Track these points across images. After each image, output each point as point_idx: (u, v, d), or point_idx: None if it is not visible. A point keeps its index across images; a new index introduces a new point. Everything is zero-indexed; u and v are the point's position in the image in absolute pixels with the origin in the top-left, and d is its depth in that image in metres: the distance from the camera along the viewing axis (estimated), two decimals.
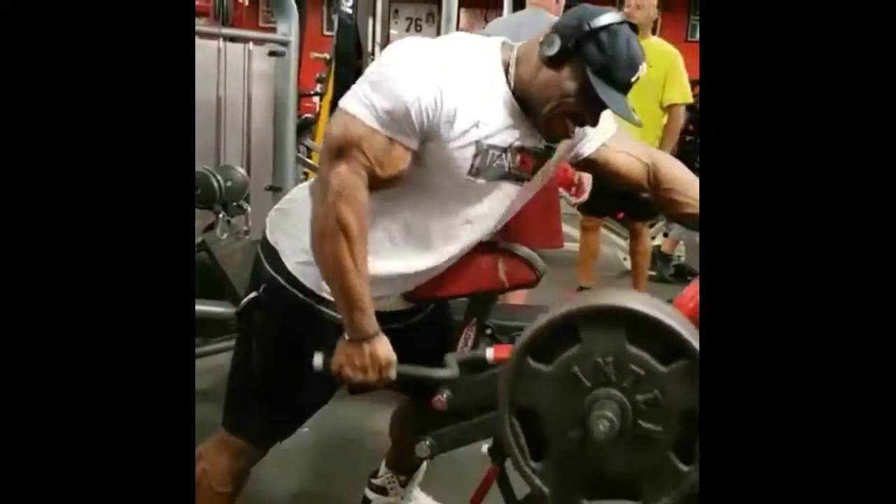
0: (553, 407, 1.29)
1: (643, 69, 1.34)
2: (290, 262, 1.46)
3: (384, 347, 1.36)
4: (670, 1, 9.79)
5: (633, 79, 1.32)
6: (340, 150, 1.30)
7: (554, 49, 1.31)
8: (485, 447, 1.65)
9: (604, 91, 1.29)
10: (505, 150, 1.37)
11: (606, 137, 1.53)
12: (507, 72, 1.37)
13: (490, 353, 1.43)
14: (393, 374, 1.38)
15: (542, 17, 3.19)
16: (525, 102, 1.36)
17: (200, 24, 3.09)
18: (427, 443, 1.51)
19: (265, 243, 1.52)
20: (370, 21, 3.49)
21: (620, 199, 3.79)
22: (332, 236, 1.30)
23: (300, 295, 1.46)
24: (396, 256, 1.42)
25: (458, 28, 4.10)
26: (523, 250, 1.55)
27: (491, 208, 1.44)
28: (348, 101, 1.32)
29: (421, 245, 1.42)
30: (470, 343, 1.54)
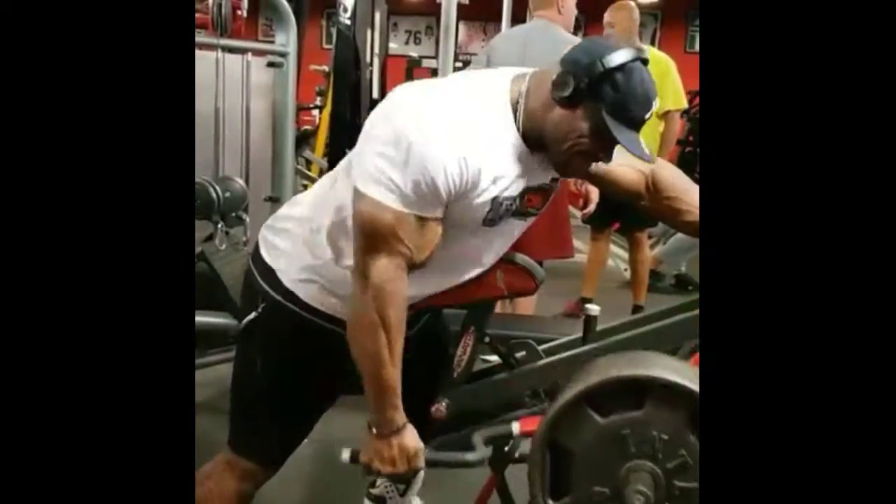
0: (591, 458, 1.29)
1: (656, 104, 1.32)
2: (288, 280, 1.45)
3: (412, 437, 1.37)
4: (669, 12, 9.84)
5: (648, 115, 1.31)
6: (376, 241, 1.27)
7: (567, 91, 1.27)
8: None
9: (619, 131, 1.27)
10: (516, 197, 1.36)
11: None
12: (515, 111, 1.33)
13: (516, 427, 1.44)
14: (422, 462, 1.39)
15: (551, 32, 3.18)
16: (535, 139, 1.33)
17: (199, 36, 3.10)
18: (426, 451, 1.51)
19: (260, 261, 1.50)
20: (368, 33, 3.50)
21: (616, 209, 3.82)
22: (370, 330, 1.30)
23: (300, 311, 1.45)
24: None
25: (456, 42, 4.12)
26: (522, 259, 1.55)
27: (497, 244, 1.45)
28: (369, 185, 1.27)
29: (424, 276, 1.40)
30: (468, 352, 1.53)
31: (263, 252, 1.50)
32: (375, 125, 1.30)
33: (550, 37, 3.16)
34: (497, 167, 1.31)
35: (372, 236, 1.28)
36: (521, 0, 3.46)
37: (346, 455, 1.42)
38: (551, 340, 1.64)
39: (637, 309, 3.99)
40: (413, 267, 1.31)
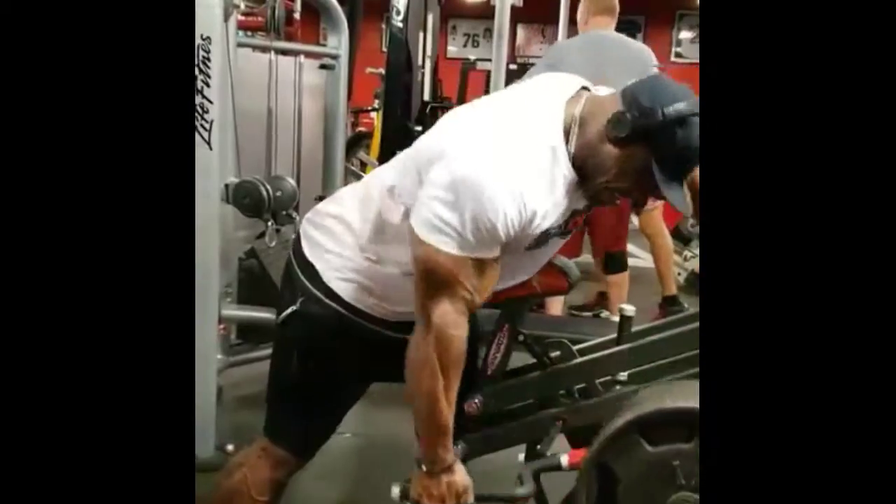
0: (638, 485, 1.30)
1: None
2: (330, 277, 1.47)
3: (461, 475, 1.41)
4: (653, 18, 9.43)
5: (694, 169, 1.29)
6: (437, 287, 1.30)
7: (624, 132, 1.26)
8: (521, 456, 1.65)
9: (666, 185, 1.26)
10: (562, 224, 1.36)
11: None
12: (567, 137, 1.31)
13: (564, 459, 1.45)
14: (471, 498, 1.41)
15: (623, 41, 3.18)
16: (580, 169, 1.32)
17: (253, 39, 3.17)
18: (458, 447, 1.52)
19: (300, 255, 1.51)
20: (421, 35, 3.53)
21: None
22: (429, 373, 1.33)
23: (339, 308, 1.46)
24: None
25: (513, 44, 4.12)
26: (558, 258, 1.56)
27: (540, 260, 1.48)
28: (427, 232, 1.27)
29: None
30: (502, 350, 1.54)
31: (305, 246, 1.51)
32: (430, 167, 1.29)
33: (625, 45, 3.14)
34: (550, 204, 1.30)
35: (433, 282, 1.29)
36: (578, 2, 3.44)
37: (395, 491, 1.46)
38: (586, 341, 1.64)
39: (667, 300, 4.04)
40: (473, 308, 1.33)
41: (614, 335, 1.58)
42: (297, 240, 1.55)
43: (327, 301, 1.47)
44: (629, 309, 1.57)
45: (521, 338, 1.56)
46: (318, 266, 1.48)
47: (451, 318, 1.30)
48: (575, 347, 1.56)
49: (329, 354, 1.51)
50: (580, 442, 1.55)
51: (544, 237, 1.34)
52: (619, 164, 1.29)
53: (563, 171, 1.30)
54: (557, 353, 1.56)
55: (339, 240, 1.48)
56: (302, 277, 1.50)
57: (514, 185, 1.24)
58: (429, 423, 1.36)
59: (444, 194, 1.25)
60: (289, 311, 1.50)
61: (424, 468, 1.40)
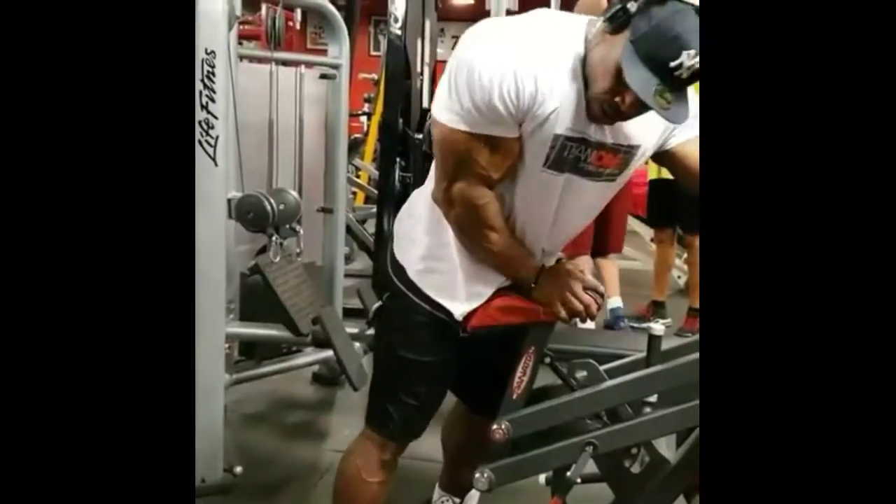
0: None
1: (692, 61, 1.20)
2: (411, 271, 1.53)
3: (559, 266, 1.49)
4: None
5: (674, 64, 1.20)
6: (453, 165, 1.37)
7: (609, 13, 1.27)
8: (542, 478, 1.61)
9: (630, 63, 1.21)
10: (580, 142, 1.35)
11: (693, 134, 1.46)
12: (585, 50, 1.33)
13: None
14: (586, 268, 1.55)
15: None
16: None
17: (253, 49, 3.12)
18: (485, 475, 1.49)
19: (391, 253, 1.59)
20: (419, 42, 3.47)
21: (676, 210, 3.90)
22: (472, 230, 1.43)
23: (416, 299, 1.54)
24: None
25: None
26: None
27: (573, 206, 1.46)
28: (438, 110, 1.36)
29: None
30: (528, 373, 1.50)
31: (394, 245, 1.59)
32: (453, 57, 1.36)
33: None
34: (556, 87, 1.29)
35: (449, 160, 1.38)
36: (568, 3, 3.42)
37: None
38: (614, 357, 1.60)
39: (694, 311, 3.96)
40: (490, 185, 1.39)
41: (642, 353, 1.54)
42: (392, 239, 1.62)
43: (408, 294, 1.54)
44: (658, 328, 1.52)
45: (547, 360, 1.52)
46: (404, 261, 1.55)
47: (471, 190, 1.37)
48: (602, 367, 1.52)
49: (411, 344, 1.56)
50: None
51: (561, 151, 1.33)
52: (607, 55, 1.27)
53: (580, 79, 1.30)
54: (584, 374, 1.51)
55: (419, 228, 1.54)
56: (392, 276, 1.58)
57: (511, 60, 1.27)
58: (497, 264, 1.47)
59: (452, 76, 1.32)
60: (375, 306, 1.61)
61: (533, 285, 1.46)
